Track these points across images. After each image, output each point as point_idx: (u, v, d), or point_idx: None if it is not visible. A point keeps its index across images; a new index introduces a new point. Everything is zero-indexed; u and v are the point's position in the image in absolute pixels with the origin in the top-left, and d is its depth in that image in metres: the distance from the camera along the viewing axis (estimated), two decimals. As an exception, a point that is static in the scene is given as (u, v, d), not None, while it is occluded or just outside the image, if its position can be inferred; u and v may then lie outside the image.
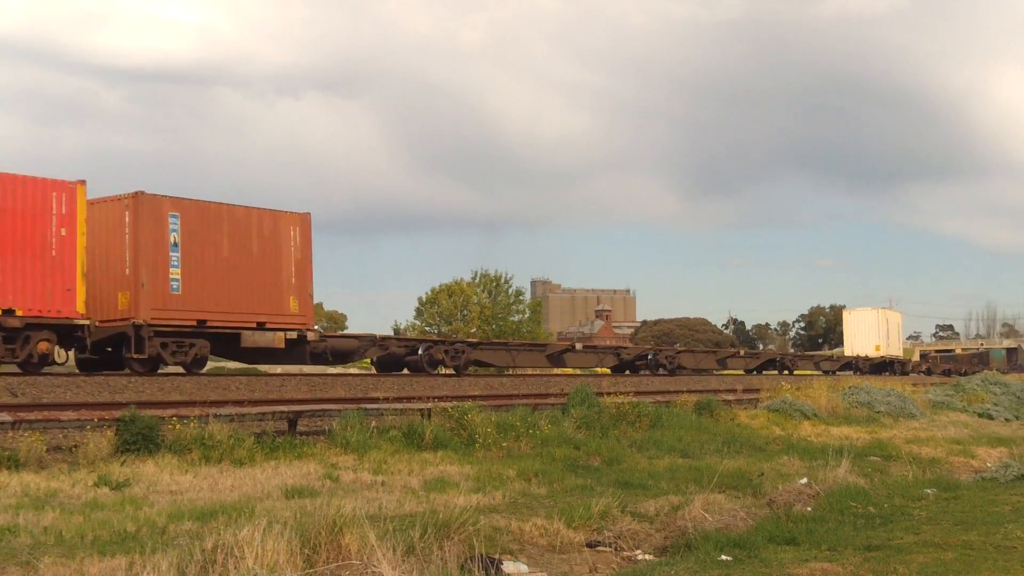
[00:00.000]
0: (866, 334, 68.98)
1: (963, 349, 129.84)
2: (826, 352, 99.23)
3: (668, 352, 46.93)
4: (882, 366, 67.30)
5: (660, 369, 44.53)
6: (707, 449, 20.63)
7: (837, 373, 58.85)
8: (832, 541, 11.60)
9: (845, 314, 74.22)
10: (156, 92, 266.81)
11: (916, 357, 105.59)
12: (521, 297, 77.82)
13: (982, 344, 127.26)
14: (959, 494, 16.25)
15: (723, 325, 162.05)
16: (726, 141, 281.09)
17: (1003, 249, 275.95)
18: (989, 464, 21.90)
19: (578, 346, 43.10)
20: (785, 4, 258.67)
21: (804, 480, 16.47)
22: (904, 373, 68.45)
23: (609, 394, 24.08)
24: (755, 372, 54.43)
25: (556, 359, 39.90)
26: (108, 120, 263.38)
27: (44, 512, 11.02)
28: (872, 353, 67.56)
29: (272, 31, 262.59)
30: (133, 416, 15.10)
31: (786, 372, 55.12)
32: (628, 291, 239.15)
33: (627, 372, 43.44)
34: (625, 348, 50.97)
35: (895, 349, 72.43)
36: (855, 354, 67.19)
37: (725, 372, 52.41)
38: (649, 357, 44.98)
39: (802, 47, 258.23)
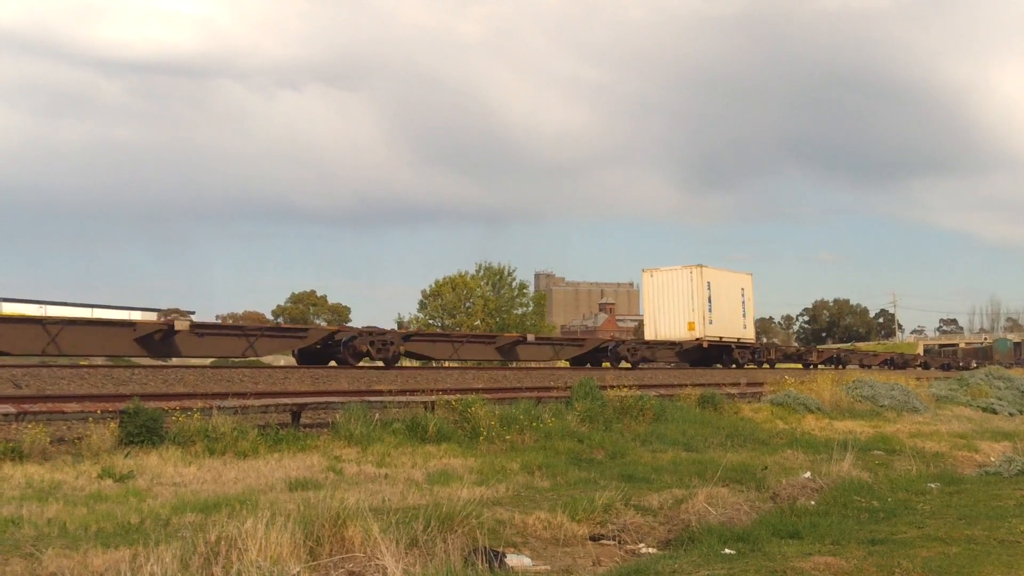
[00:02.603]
0: (674, 307, 48.13)
1: (967, 343, 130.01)
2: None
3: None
4: (703, 355, 47.44)
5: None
6: (711, 443, 20.63)
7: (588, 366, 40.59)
8: (836, 535, 11.60)
9: (644, 277, 49.70)
10: (157, 84, 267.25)
11: (920, 351, 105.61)
12: (525, 290, 77.93)
13: (986, 338, 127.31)
14: (963, 488, 16.25)
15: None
16: (727, 135, 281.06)
17: (1006, 243, 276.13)
18: (993, 458, 21.90)
19: (530, 337, 39.33)
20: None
21: (808, 474, 16.48)
22: (741, 365, 49.17)
23: (613, 387, 24.08)
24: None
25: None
26: (109, 112, 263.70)
27: (48, 504, 11.03)
28: (682, 334, 47.05)
29: (273, 24, 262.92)
30: (137, 408, 15.11)
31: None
32: (631, 284, 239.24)
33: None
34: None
35: (734, 327, 50.75)
36: (656, 336, 47.54)
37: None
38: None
39: (803, 41, 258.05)
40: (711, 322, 47.83)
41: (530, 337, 39.04)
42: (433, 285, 74.10)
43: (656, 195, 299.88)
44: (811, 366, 59.16)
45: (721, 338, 48.51)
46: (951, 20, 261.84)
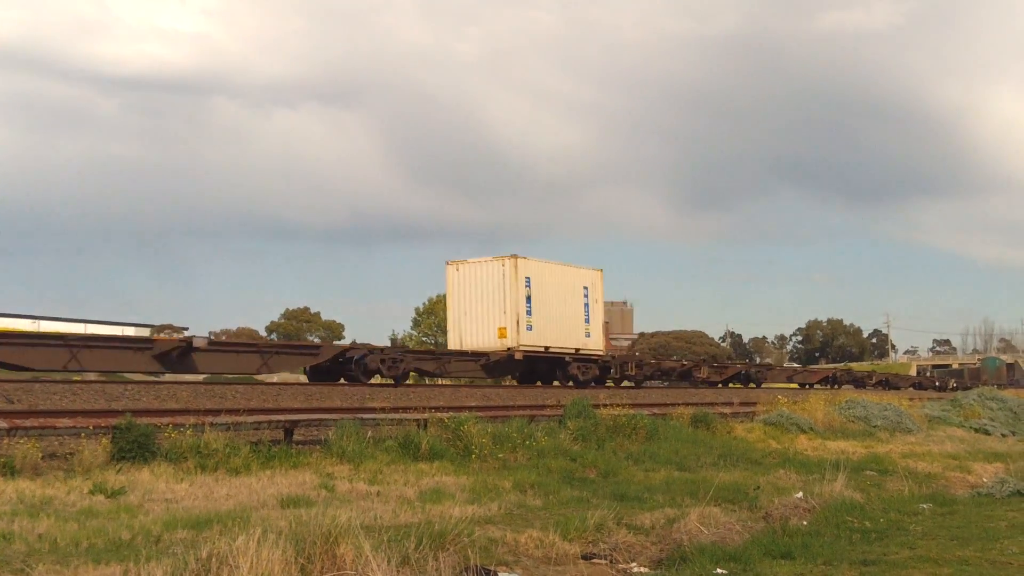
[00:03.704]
0: (482, 309, 37.39)
1: (959, 364, 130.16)
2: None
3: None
4: (521, 369, 38.50)
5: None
6: (703, 462, 20.63)
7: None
8: (828, 555, 11.60)
9: (448, 272, 38.66)
10: (153, 101, 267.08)
11: (913, 372, 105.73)
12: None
13: (979, 359, 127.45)
14: (955, 509, 16.28)
15: (720, 338, 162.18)
16: (721, 155, 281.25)
17: (999, 265, 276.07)
18: (985, 479, 21.91)
19: (199, 342, 31.87)
20: (781, 20, 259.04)
21: (800, 494, 16.48)
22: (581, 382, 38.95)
23: (606, 406, 24.08)
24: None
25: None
26: (105, 129, 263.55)
27: (39, 519, 10.99)
28: (491, 343, 36.70)
29: (269, 42, 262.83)
30: (129, 424, 15.08)
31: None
32: (625, 303, 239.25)
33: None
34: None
35: (570, 334, 39.57)
36: (462, 346, 37.38)
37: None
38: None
39: (798, 62, 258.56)
40: (530, 327, 37.12)
41: (199, 342, 27.46)
42: (427, 303, 74.17)
43: (650, 215, 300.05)
44: (756, 383, 52.58)
45: (548, 348, 37.79)
46: (946, 42, 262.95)
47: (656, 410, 26.67)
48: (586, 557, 11.83)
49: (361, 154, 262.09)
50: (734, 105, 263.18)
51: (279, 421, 18.04)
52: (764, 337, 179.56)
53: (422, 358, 35.06)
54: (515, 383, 38.83)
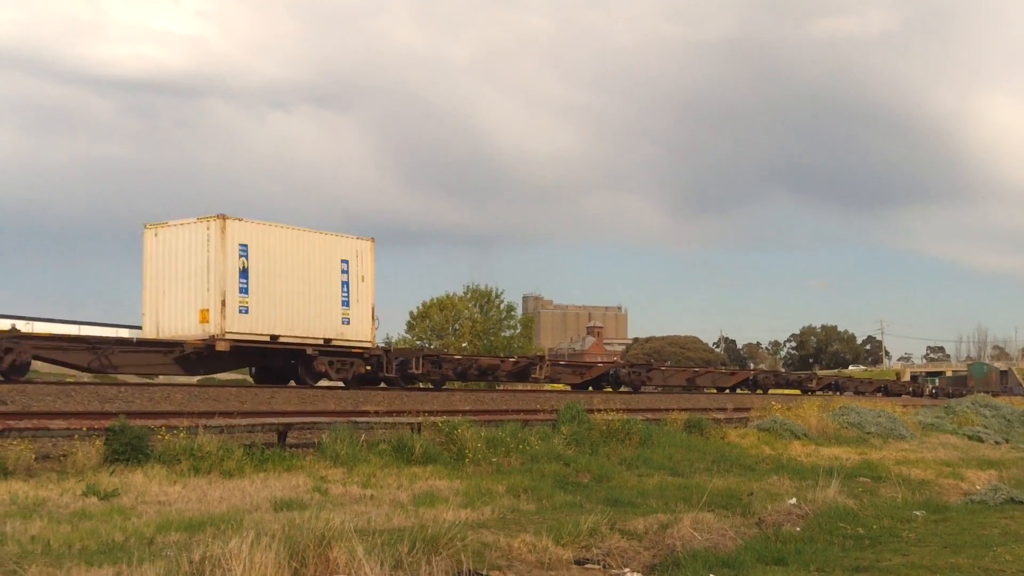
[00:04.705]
0: (182, 285, 28.27)
1: (953, 371, 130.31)
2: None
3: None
4: (237, 363, 30.84)
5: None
6: (697, 467, 20.63)
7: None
8: (820, 562, 11.61)
9: (147, 237, 29.04)
10: (147, 103, 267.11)
11: (907, 378, 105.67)
12: (513, 312, 77.95)
13: (967, 365, 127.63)
14: (948, 516, 16.28)
15: (714, 343, 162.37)
16: (716, 161, 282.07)
17: (993, 272, 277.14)
18: (979, 486, 21.93)
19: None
20: (775, 26, 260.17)
21: (793, 500, 16.49)
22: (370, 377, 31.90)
23: (600, 411, 24.08)
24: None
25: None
26: (99, 130, 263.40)
27: (32, 521, 10.97)
28: (191, 331, 27.64)
29: (263, 44, 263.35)
30: (123, 426, 15.07)
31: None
32: (620, 308, 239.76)
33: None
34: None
35: (318, 320, 30.29)
36: (159, 332, 28.21)
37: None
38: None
39: (792, 69, 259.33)
40: (246, 310, 28.20)
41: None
42: (421, 306, 74.03)
43: (645, 219, 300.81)
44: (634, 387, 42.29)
45: (276, 337, 28.96)
46: (940, 49, 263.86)
47: (650, 415, 26.70)
48: (579, 562, 11.83)
49: (354, 157, 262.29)
50: (729, 110, 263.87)
51: (272, 424, 18.03)
52: (758, 343, 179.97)
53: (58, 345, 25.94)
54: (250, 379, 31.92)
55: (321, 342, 29.93)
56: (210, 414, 17.78)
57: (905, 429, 33.52)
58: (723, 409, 33.00)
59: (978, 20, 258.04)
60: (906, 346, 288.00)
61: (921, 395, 71.38)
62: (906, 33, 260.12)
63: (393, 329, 78.25)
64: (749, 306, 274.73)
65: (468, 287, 75.54)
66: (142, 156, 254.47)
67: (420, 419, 19.72)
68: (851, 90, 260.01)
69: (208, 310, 27.59)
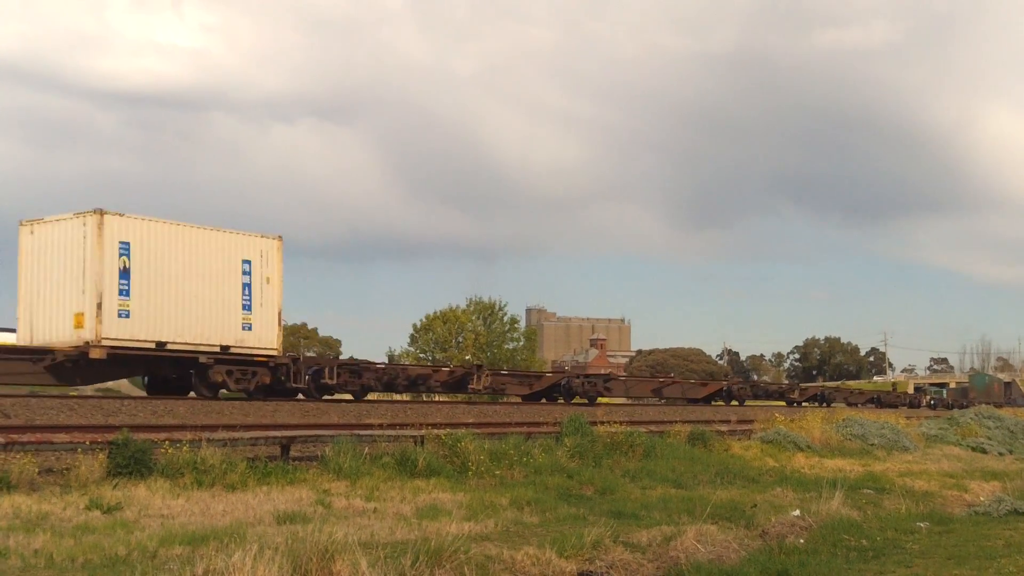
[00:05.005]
0: (57, 286, 25.75)
1: (957, 382, 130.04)
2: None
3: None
4: (110, 372, 28.18)
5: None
6: (700, 480, 20.61)
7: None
8: (824, 574, 11.60)
9: (22, 235, 26.42)
10: (151, 116, 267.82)
11: (910, 389, 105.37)
12: (516, 325, 77.98)
13: (969, 376, 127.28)
14: (952, 528, 16.25)
15: (718, 355, 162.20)
16: (720, 172, 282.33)
17: (996, 283, 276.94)
18: (982, 498, 21.88)
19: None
20: (778, 37, 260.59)
21: (797, 512, 16.46)
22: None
23: (603, 423, 24.07)
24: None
25: None
26: (103, 143, 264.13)
27: (35, 534, 10.98)
28: (65, 337, 25.07)
29: (267, 57, 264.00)
30: (126, 439, 15.07)
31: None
32: (623, 320, 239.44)
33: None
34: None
35: (212, 325, 27.44)
36: (33, 339, 25.65)
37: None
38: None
39: (795, 80, 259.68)
40: (126, 314, 25.59)
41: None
42: (424, 319, 74.09)
43: (649, 231, 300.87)
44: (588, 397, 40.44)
45: (163, 343, 26.26)
46: (943, 60, 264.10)
47: (653, 427, 26.67)
48: (583, 575, 11.82)
49: (358, 170, 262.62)
50: (732, 121, 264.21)
51: (276, 437, 18.03)
52: (762, 355, 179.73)
53: None
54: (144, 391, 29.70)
55: (217, 350, 27.34)
56: (213, 427, 17.78)
57: (909, 441, 33.49)
58: (727, 421, 32.99)
59: (980, 31, 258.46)
60: (910, 357, 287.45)
61: (918, 406, 71.00)
62: (909, 44, 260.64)
63: (396, 342, 78.32)
64: (753, 318, 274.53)
65: (471, 299, 75.67)
66: (146, 169, 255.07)
67: (423, 432, 19.71)
68: (854, 101, 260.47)
69: (83, 314, 25.08)
